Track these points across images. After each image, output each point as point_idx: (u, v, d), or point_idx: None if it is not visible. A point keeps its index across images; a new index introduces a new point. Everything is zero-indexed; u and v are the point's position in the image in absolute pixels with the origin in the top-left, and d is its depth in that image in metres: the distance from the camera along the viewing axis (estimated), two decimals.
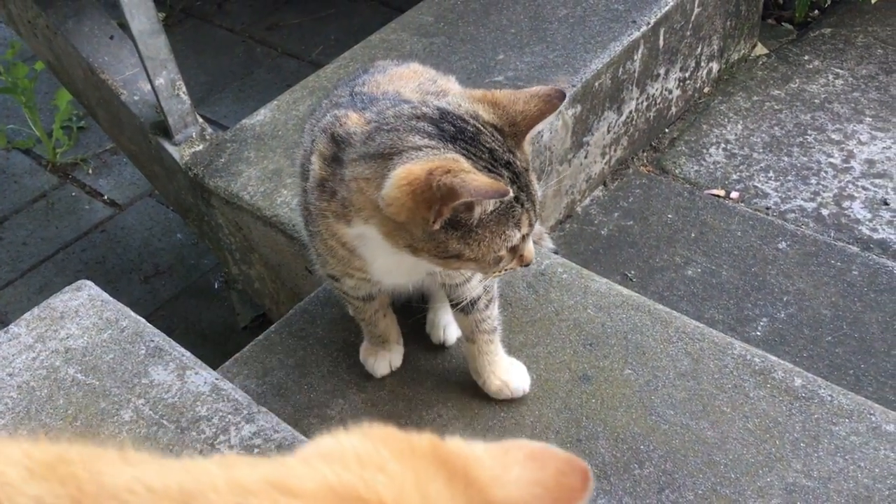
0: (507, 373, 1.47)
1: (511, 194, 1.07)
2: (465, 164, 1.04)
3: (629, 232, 2.29)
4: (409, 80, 1.36)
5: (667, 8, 2.31)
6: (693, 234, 2.26)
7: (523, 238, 1.15)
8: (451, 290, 1.38)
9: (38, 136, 3.13)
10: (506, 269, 1.19)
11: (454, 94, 1.18)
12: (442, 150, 1.07)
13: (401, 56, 2.22)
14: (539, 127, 1.15)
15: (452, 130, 1.09)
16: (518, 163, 1.12)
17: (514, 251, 1.16)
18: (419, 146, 1.07)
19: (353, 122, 1.17)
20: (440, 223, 1.06)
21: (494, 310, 1.42)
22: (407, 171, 1.04)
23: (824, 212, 2.30)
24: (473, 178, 1.02)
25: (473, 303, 1.37)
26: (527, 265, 1.21)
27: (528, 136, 1.15)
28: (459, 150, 1.07)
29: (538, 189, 1.16)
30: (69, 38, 2.27)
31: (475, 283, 1.35)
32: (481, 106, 1.14)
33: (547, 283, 1.68)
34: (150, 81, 2.03)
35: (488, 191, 1.02)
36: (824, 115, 2.59)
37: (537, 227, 1.81)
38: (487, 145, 1.09)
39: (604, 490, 1.36)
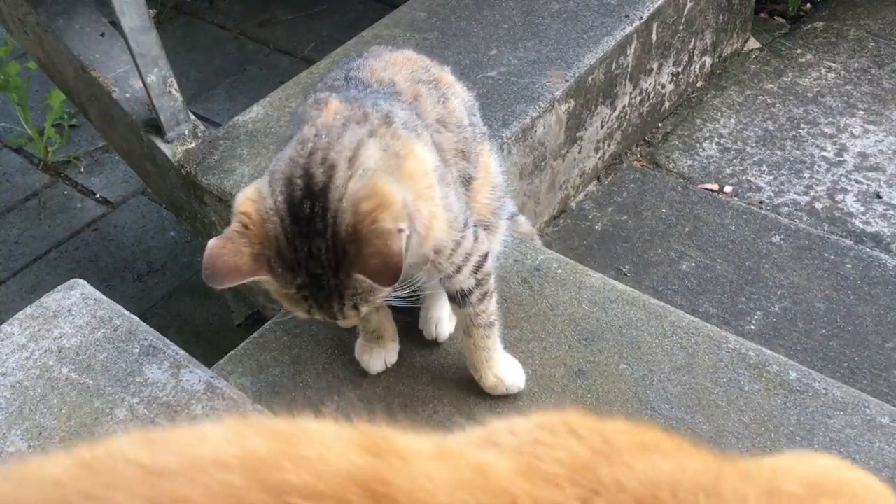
0: (503, 369, 1.47)
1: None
2: (260, 238, 1.10)
3: (623, 227, 2.29)
4: (403, 67, 1.37)
5: (659, 2, 2.31)
6: (687, 229, 2.26)
7: (309, 313, 1.18)
8: (443, 281, 1.38)
9: (30, 135, 3.11)
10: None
11: (367, 181, 1.11)
12: (277, 221, 1.11)
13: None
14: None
15: (306, 214, 1.10)
16: (330, 281, 1.12)
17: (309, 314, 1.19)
18: (273, 198, 1.12)
19: (331, 111, 1.19)
20: None
21: (491, 305, 1.41)
22: (245, 196, 1.14)
23: (818, 205, 2.31)
24: (223, 250, 1.09)
25: (465, 295, 1.36)
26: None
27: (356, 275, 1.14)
28: (286, 231, 1.10)
29: (344, 313, 1.17)
30: (60, 36, 2.26)
31: (465, 275, 1.34)
32: (352, 215, 1.10)
33: (541, 278, 1.68)
34: (142, 79, 2.02)
35: (205, 264, 1.09)
36: (817, 109, 2.59)
37: (528, 228, 1.81)
38: (314, 250, 1.10)
39: None
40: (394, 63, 1.38)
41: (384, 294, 1.16)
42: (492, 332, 1.43)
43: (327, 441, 0.55)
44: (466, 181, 1.40)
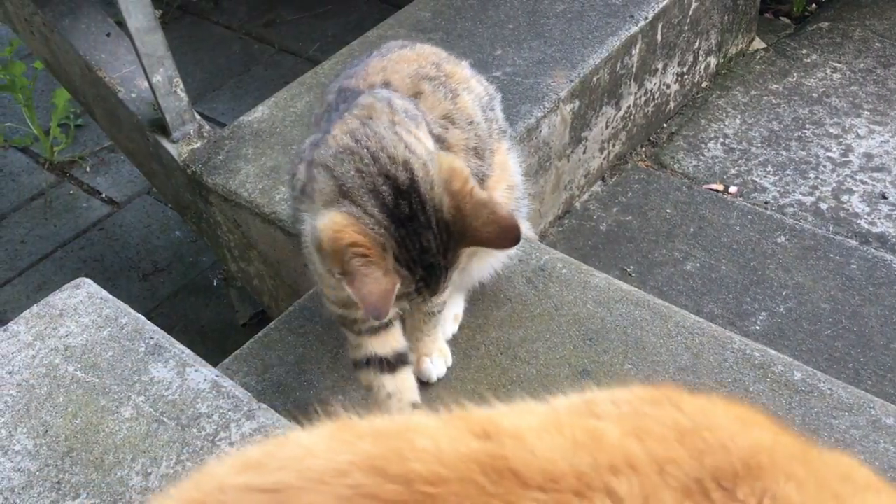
0: (430, 355, 1.49)
1: (412, 289, 1.15)
2: (380, 254, 1.08)
3: (628, 227, 2.29)
4: (407, 65, 1.34)
5: (664, 3, 2.31)
6: (692, 229, 2.26)
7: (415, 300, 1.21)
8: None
9: (36, 134, 3.12)
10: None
11: (442, 165, 1.14)
12: (383, 232, 1.09)
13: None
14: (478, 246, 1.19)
15: (406, 213, 1.10)
16: (441, 263, 1.14)
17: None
18: (367, 213, 1.09)
19: (344, 126, 1.18)
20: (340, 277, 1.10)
21: (448, 302, 1.46)
22: (337, 227, 1.08)
23: (823, 206, 2.30)
24: (369, 286, 1.06)
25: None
26: None
27: (468, 249, 1.18)
28: (395, 236, 1.10)
29: (446, 286, 1.21)
30: (66, 36, 2.27)
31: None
32: (449, 198, 1.12)
33: (546, 278, 1.68)
34: (148, 79, 2.02)
35: (368, 307, 1.07)
36: (822, 109, 2.59)
37: (530, 234, 1.81)
38: (425, 243, 1.11)
39: None
40: (398, 60, 1.35)
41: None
42: (432, 320, 1.45)
43: (435, 432, 0.55)
44: (479, 180, 1.38)
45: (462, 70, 1.41)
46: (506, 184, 1.46)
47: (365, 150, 1.12)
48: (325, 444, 0.57)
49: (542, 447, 0.53)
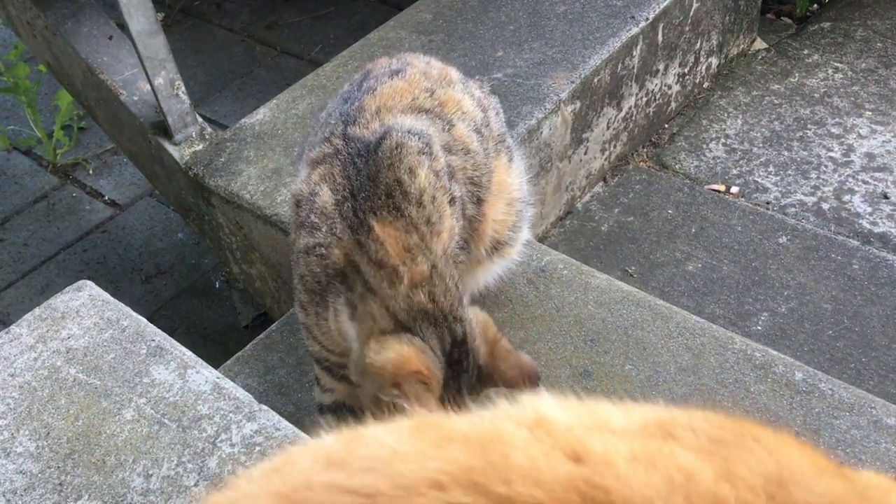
0: None
1: None
2: (436, 386, 1.17)
3: (629, 228, 2.29)
4: (401, 99, 1.33)
5: (665, 3, 2.31)
6: (693, 230, 2.26)
7: None
8: None
9: (39, 137, 3.13)
10: None
11: (478, 318, 1.26)
12: (439, 369, 1.18)
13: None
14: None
15: (456, 359, 1.20)
16: (467, 403, 1.23)
17: None
18: (432, 350, 1.19)
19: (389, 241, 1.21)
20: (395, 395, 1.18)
21: None
22: (407, 356, 1.16)
23: (825, 206, 2.30)
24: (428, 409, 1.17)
25: None
26: None
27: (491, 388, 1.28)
28: (446, 375, 1.19)
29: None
30: (68, 39, 2.27)
31: None
32: (485, 346, 1.25)
33: (547, 279, 1.69)
34: (150, 81, 2.03)
35: None
36: (824, 110, 2.59)
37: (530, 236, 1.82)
38: (463, 385, 1.21)
39: None
40: (391, 95, 1.33)
41: None
42: None
43: (526, 447, 0.54)
44: (475, 203, 1.38)
45: (453, 91, 1.39)
46: (504, 201, 1.45)
47: (438, 310, 1.20)
48: (412, 445, 0.56)
49: (638, 482, 0.52)
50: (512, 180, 1.46)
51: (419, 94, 1.34)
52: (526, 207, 1.52)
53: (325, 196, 1.24)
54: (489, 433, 0.57)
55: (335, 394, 1.37)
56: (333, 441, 0.60)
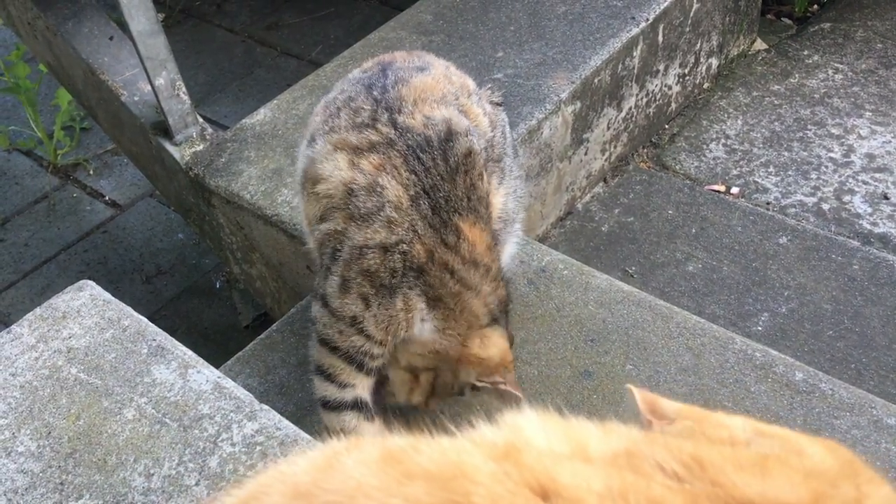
0: None
1: None
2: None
3: (630, 228, 2.29)
4: (433, 94, 1.33)
5: (666, 4, 2.31)
6: (694, 230, 2.26)
7: None
8: None
9: (40, 138, 3.13)
10: None
11: None
12: None
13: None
14: None
15: None
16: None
17: None
18: (509, 337, 1.38)
19: (480, 248, 1.28)
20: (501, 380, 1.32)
21: None
22: (506, 350, 1.32)
23: (825, 206, 2.30)
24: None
25: None
26: None
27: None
28: None
29: None
30: (69, 40, 2.28)
31: None
32: None
33: (548, 279, 1.69)
34: (150, 82, 2.03)
35: (517, 398, 1.33)
36: (824, 110, 2.59)
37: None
38: None
39: None
40: (425, 89, 1.33)
41: None
42: None
43: (489, 483, 0.54)
44: None
45: (471, 104, 1.38)
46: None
47: (506, 302, 1.35)
48: (377, 478, 0.57)
49: None
50: (496, 201, 1.42)
51: (447, 95, 1.34)
52: (506, 225, 1.46)
53: (397, 191, 1.23)
54: (452, 469, 0.57)
55: (356, 389, 1.35)
56: (303, 471, 0.62)
